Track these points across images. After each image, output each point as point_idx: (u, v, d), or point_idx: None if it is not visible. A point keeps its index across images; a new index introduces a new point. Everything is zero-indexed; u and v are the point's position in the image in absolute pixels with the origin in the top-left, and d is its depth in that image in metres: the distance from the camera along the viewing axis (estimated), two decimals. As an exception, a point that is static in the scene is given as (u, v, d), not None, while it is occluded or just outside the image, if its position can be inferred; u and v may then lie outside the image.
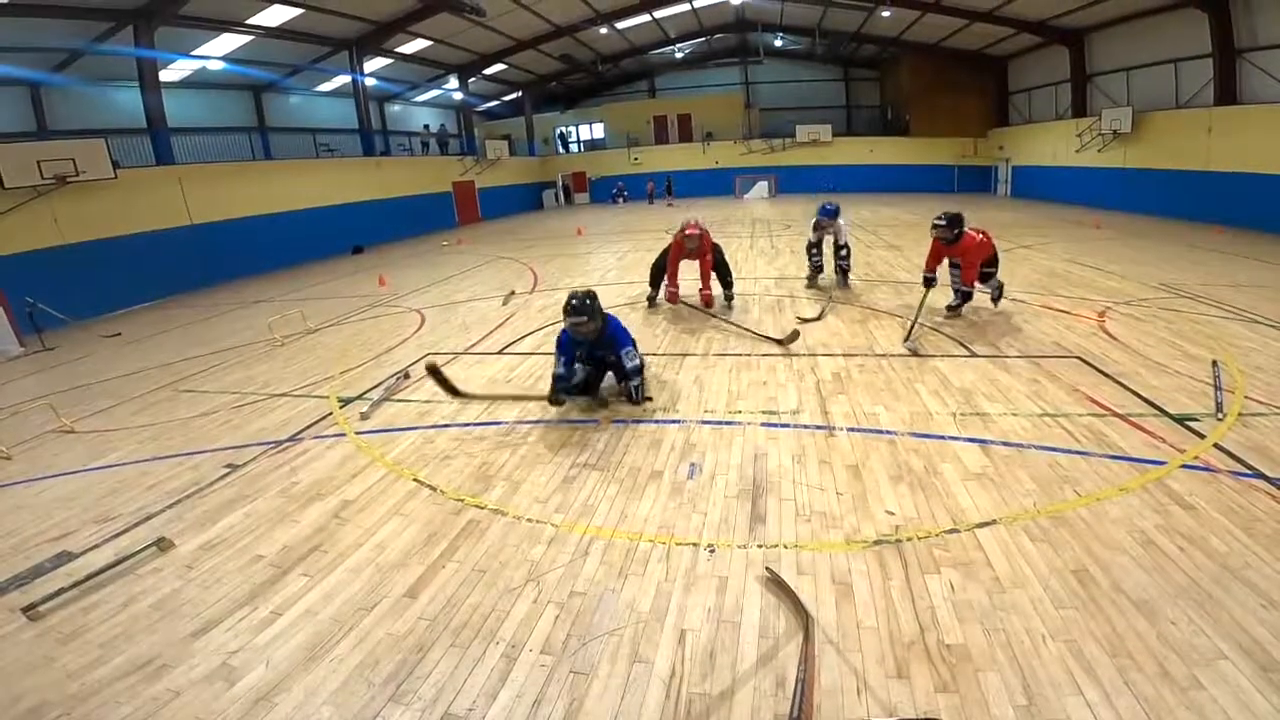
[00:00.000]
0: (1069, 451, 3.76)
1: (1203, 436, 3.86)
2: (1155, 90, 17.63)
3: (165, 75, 14.75)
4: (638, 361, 4.79)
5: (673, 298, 7.67)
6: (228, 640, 2.66)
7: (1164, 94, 17.34)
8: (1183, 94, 16.73)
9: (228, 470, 4.31)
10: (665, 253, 7.68)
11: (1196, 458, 3.61)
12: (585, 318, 4.52)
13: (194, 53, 15.70)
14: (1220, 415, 4.13)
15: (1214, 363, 5.04)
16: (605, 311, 4.74)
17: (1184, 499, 3.20)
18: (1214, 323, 6.32)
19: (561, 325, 4.71)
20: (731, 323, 7.05)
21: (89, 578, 3.14)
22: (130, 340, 9.18)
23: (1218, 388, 4.53)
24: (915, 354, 5.63)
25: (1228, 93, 15.08)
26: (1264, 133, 13.88)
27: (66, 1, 11.66)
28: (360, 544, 3.29)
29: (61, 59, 13.61)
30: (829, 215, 8.38)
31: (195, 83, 17.11)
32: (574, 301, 4.56)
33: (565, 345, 4.71)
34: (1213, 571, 2.66)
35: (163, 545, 3.40)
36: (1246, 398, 4.40)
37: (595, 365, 4.88)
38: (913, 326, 6.15)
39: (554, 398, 4.65)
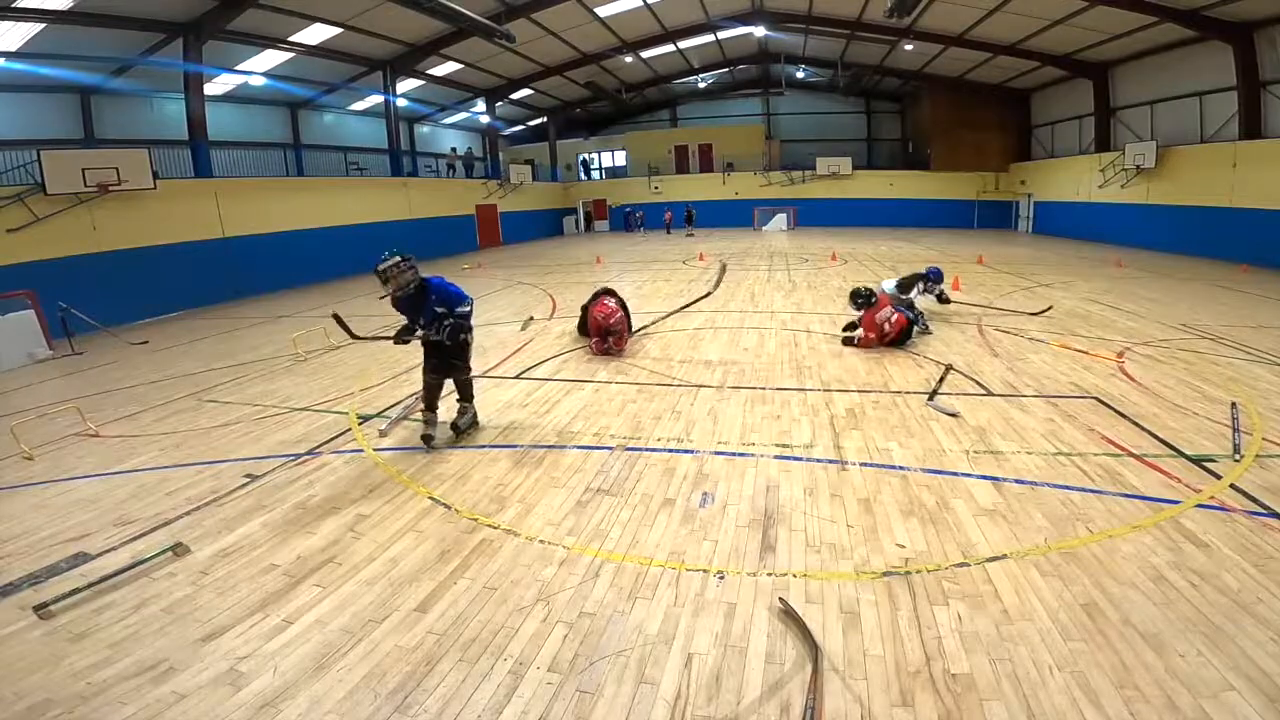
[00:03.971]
0: (1083, 490, 3.74)
1: (1219, 477, 3.82)
2: (1180, 124, 17.41)
3: (209, 89, 15.34)
4: (466, 308, 4.84)
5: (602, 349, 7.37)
6: (237, 646, 2.71)
7: (1188, 128, 17.12)
8: (1207, 128, 16.50)
9: (247, 480, 4.40)
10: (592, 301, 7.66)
11: (1212, 497, 3.58)
12: (384, 265, 4.68)
13: (238, 67, 16.32)
14: (1238, 456, 4.09)
15: (1233, 404, 4.99)
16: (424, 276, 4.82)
17: (1198, 537, 3.18)
18: (1234, 365, 6.26)
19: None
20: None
21: (103, 579, 3.21)
22: (157, 348, 9.41)
23: (1236, 429, 4.49)
24: (952, 414, 5.11)
25: (1253, 126, 14.85)
26: None
27: (122, 11, 12.21)
28: (374, 558, 3.34)
29: (113, 69, 14.21)
30: (938, 278, 8.64)
31: (236, 97, 17.76)
32: (385, 256, 4.73)
33: (400, 309, 4.93)
34: (1224, 606, 2.65)
35: (178, 551, 3.46)
36: (1265, 439, 4.35)
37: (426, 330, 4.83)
38: (935, 391, 5.67)
39: (401, 338, 4.84)
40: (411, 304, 4.80)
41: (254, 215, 14.84)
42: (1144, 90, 18.74)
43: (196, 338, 10.08)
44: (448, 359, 4.88)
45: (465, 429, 5.02)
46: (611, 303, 7.58)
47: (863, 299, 7.24)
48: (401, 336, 4.82)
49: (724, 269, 8.05)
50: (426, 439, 4.83)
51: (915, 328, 7.46)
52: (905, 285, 8.23)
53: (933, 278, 8.51)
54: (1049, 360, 6.59)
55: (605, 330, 7.26)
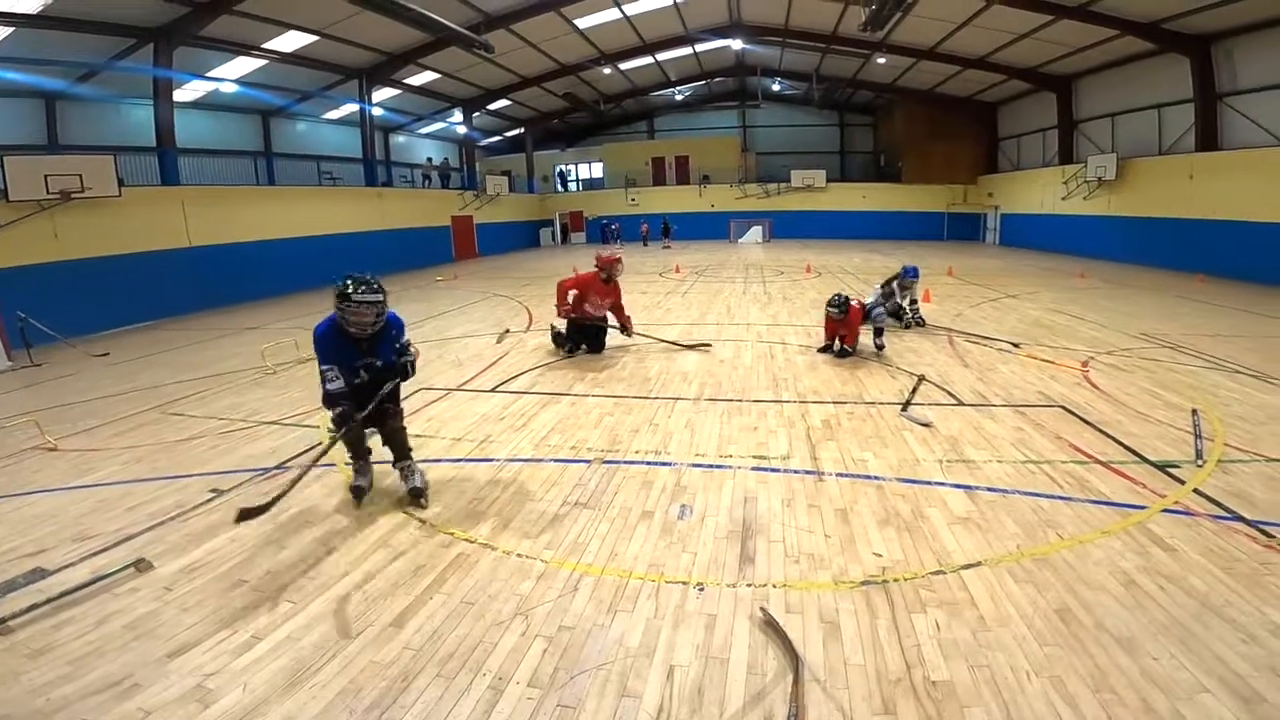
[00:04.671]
0: (1052, 497, 3.82)
1: (1183, 482, 3.94)
2: (1139, 136, 17.89)
3: (179, 95, 15.06)
4: (406, 339, 4.12)
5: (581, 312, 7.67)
6: (205, 662, 2.63)
7: (1147, 140, 17.58)
8: (1165, 140, 16.97)
9: (213, 495, 4.27)
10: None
11: (1177, 502, 3.68)
12: (380, 296, 3.72)
13: (209, 74, 16.06)
14: (1200, 462, 4.21)
15: (1194, 411, 5.15)
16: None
17: (1165, 541, 3.27)
18: (1194, 372, 6.47)
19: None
20: (650, 336, 8.17)
21: (62, 595, 3.10)
22: (120, 360, 9.14)
23: (1198, 435, 4.63)
24: (925, 424, 5.17)
25: (1209, 138, 15.25)
26: (1244, 178, 13.98)
27: (92, 16, 11.95)
28: (346, 573, 3.26)
29: (80, 74, 13.89)
30: (914, 275, 8.95)
31: (206, 104, 17.47)
32: (363, 280, 3.70)
33: (333, 347, 3.76)
34: (1193, 609, 2.71)
35: (141, 566, 3.36)
36: (1226, 445, 4.49)
37: (373, 373, 3.92)
38: (908, 401, 5.74)
39: (344, 428, 3.83)
40: (368, 340, 3.84)
41: (222, 224, 14.55)
42: (1105, 103, 19.29)
43: (161, 349, 9.82)
44: (381, 404, 3.91)
45: (426, 487, 4.12)
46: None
47: (842, 302, 7.20)
48: (344, 424, 3.81)
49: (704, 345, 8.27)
50: (358, 491, 4.03)
51: (898, 322, 8.02)
52: (884, 285, 8.64)
53: (909, 275, 8.80)
54: (1017, 370, 6.74)
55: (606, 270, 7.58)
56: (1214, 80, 15.09)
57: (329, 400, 3.81)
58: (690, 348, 8.05)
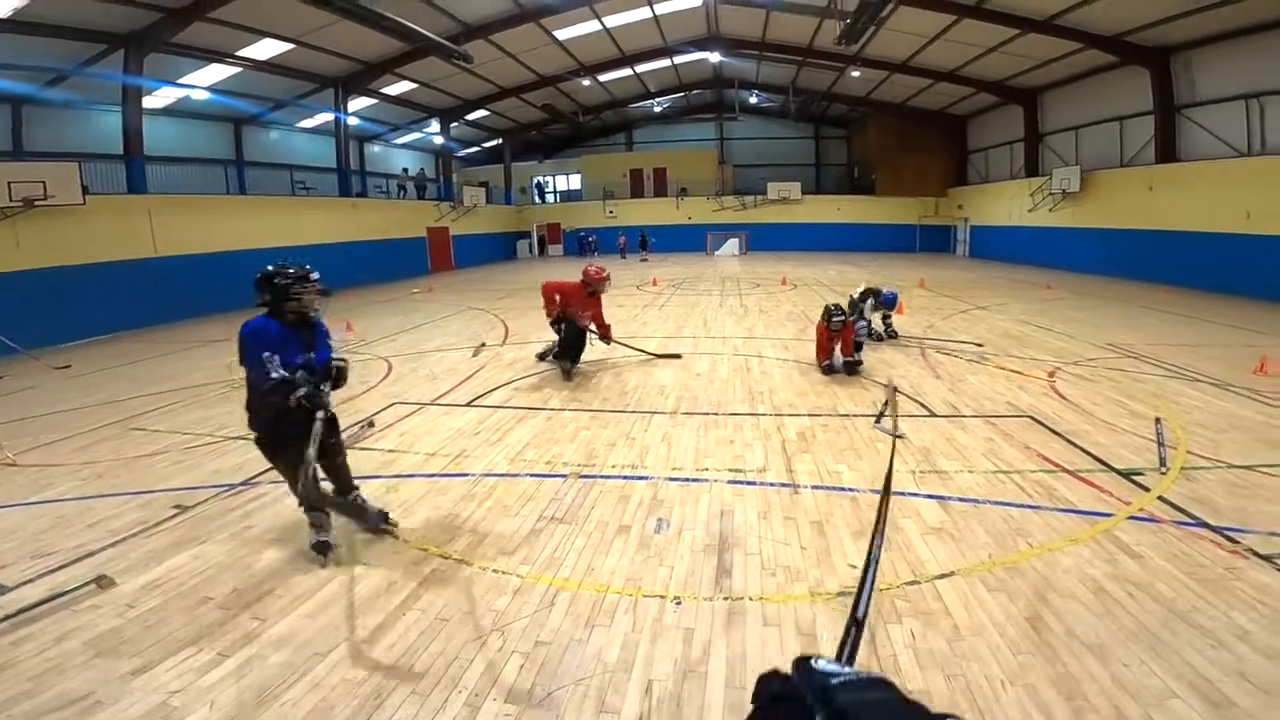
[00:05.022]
0: (1022, 506, 3.88)
1: (1147, 490, 4.04)
2: (1102, 149, 18.36)
3: (148, 102, 14.77)
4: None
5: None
6: (169, 680, 2.56)
7: (1110, 152, 18.04)
8: (1127, 152, 17.43)
9: (177, 511, 4.17)
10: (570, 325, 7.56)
11: (1142, 509, 3.77)
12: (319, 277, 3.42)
13: (180, 81, 15.76)
14: (1164, 469, 4.32)
15: (1157, 420, 5.28)
16: None
17: (1131, 548, 3.34)
18: (1157, 381, 6.66)
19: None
20: (628, 345, 8.22)
21: (20, 612, 3.01)
22: (82, 373, 8.88)
23: (1161, 443, 4.75)
24: (898, 435, 5.17)
25: (1168, 150, 15.70)
26: (1201, 189, 14.43)
27: (64, 21, 11.70)
28: (316, 590, 3.19)
29: (48, 79, 13.58)
30: (892, 304, 8.86)
31: (177, 111, 17.14)
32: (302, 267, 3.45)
33: (277, 343, 3.32)
34: (1161, 615, 2.77)
35: (102, 583, 3.27)
36: (1188, 452, 4.62)
37: (313, 372, 3.44)
38: (882, 414, 5.72)
39: (316, 399, 3.27)
40: (299, 336, 3.44)
41: (191, 234, 14.25)
42: (1069, 116, 19.80)
43: (125, 362, 9.56)
44: (324, 436, 3.37)
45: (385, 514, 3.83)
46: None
47: (842, 314, 7.14)
48: (316, 401, 3.29)
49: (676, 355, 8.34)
50: (323, 547, 3.48)
51: (870, 338, 7.92)
52: (863, 296, 8.55)
53: (887, 304, 8.73)
54: (987, 381, 6.87)
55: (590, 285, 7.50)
56: (1173, 92, 15.58)
57: (280, 386, 3.22)
58: (661, 357, 8.17)
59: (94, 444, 5.72)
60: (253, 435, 3.51)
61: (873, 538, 3.24)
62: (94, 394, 7.56)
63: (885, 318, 9.03)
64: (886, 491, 3.80)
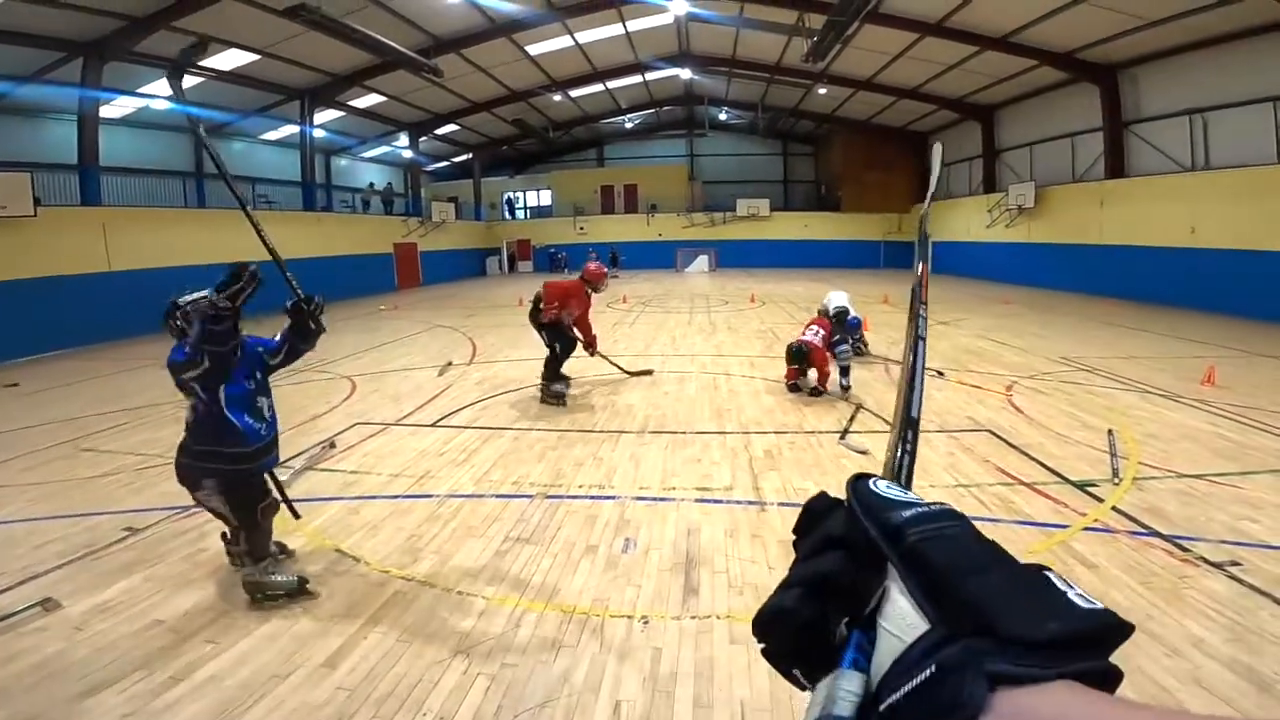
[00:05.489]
0: (981, 519, 3.95)
1: (1101, 500, 4.17)
2: (1055, 165, 19.00)
3: (105, 111, 14.36)
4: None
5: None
6: (119, 704, 2.48)
7: (1062, 168, 18.68)
8: (1078, 168, 18.07)
9: (127, 534, 4.03)
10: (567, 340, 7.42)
11: (1097, 520, 3.89)
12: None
13: (140, 90, 15.37)
14: (1117, 480, 4.47)
15: (1109, 431, 5.47)
16: None
17: (1087, 559, 3.44)
18: (1110, 394, 6.90)
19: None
20: (608, 360, 8.10)
21: (-39, 638, 2.87)
22: (30, 390, 8.54)
23: (1113, 455, 4.92)
24: (862, 451, 5.33)
25: (1116, 166, 16.33)
26: (1149, 204, 15.02)
27: (22, 28, 11.38)
28: (274, 612, 3.10)
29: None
30: (857, 326, 8.68)
31: (134, 121, 16.71)
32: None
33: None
34: (1116, 625, 2.84)
35: (48, 605, 3.17)
36: (1140, 463, 4.79)
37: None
38: (846, 430, 5.88)
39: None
40: (231, 342, 3.33)
41: (146, 248, 13.80)
42: (1024, 132, 20.49)
43: (76, 379, 9.22)
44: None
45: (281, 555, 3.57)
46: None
47: (802, 355, 7.10)
48: (224, 363, 3.27)
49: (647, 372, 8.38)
50: (299, 584, 3.26)
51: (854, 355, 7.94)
52: (836, 318, 8.44)
53: (852, 327, 8.51)
54: (948, 395, 7.03)
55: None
56: (1121, 108, 16.25)
57: (193, 353, 3.07)
58: (634, 374, 8.21)
59: (43, 464, 5.50)
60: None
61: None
62: (44, 412, 7.26)
63: (858, 337, 9.10)
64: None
